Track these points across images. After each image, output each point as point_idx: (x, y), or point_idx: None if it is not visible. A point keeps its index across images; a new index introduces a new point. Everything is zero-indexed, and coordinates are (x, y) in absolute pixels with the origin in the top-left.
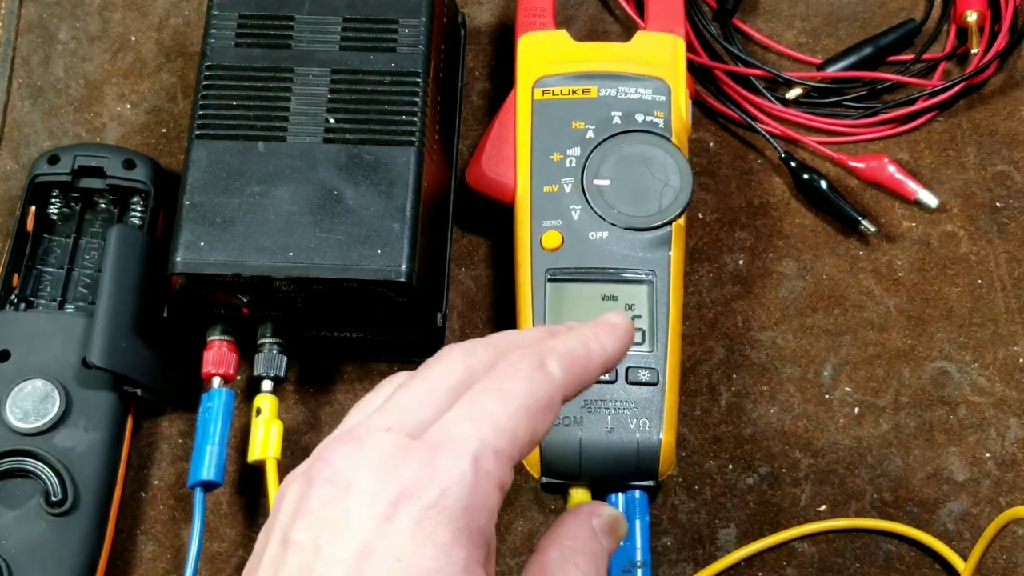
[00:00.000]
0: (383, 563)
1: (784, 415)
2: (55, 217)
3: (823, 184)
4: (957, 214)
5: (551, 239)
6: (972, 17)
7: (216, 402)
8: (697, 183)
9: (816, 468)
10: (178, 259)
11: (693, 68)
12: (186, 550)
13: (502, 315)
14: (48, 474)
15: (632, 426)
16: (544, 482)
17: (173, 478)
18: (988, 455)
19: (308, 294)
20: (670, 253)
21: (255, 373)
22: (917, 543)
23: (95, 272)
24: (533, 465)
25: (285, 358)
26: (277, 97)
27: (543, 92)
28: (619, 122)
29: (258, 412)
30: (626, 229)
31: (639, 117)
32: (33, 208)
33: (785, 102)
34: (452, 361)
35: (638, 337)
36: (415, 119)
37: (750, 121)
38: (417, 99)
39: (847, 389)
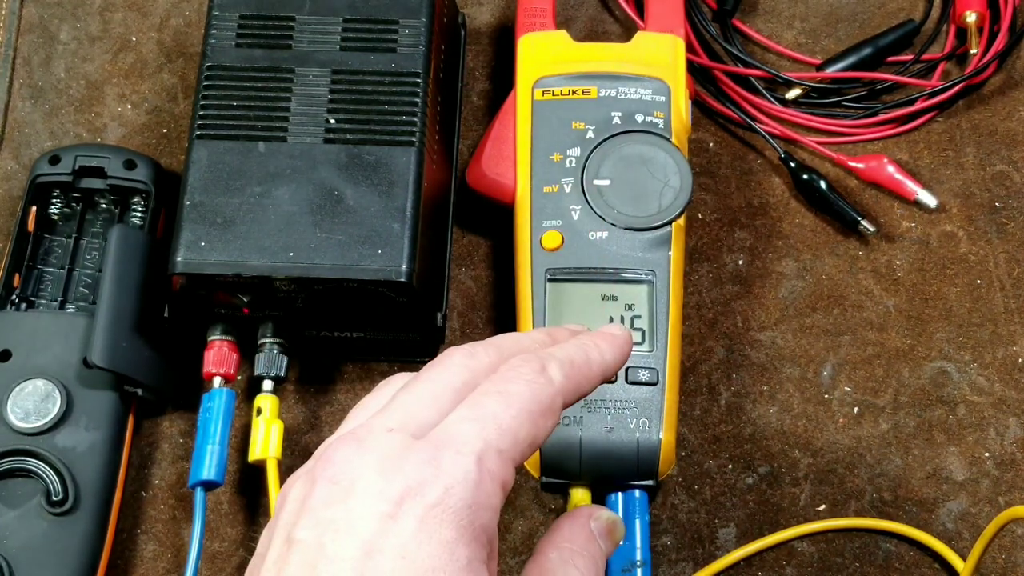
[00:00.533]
0: (387, 561)
1: (784, 415)
2: (56, 217)
3: (823, 184)
4: (956, 214)
5: (551, 239)
6: (971, 17)
7: (217, 402)
8: (697, 183)
9: (815, 468)
10: (179, 259)
11: (693, 68)
12: (187, 550)
13: (502, 315)
14: (49, 474)
15: (632, 426)
16: (544, 482)
17: (174, 478)
18: (987, 455)
19: (308, 294)
20: (670, 253)
21: (256, 373)
22: (916, 543)
23: (96, 272)
24: (533, 465)
25: (285, 358)
26: (277, 97)
27: (543, 92)
28: (619, 122)
29: (259, 412)
30: (626, 229)
31: (639, 117)
32: (34, 208)
33: (785, 102)
34: (454, 363)
35: (638, 337)
36: (415, 119)
37: (750, 121)
38: (417, 99)
39: (846, 389)
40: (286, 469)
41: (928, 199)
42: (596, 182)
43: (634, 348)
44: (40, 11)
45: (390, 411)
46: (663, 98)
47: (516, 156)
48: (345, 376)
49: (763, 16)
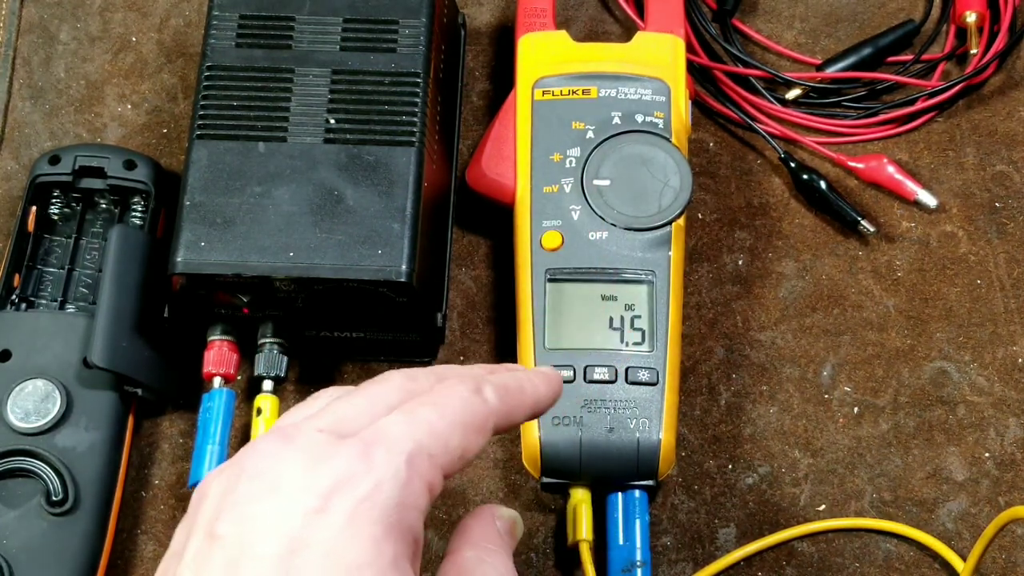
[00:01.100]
0: (312, 557)
1: (783, 415)
2: (56, 217)
3: (822, 184)
4: (956, 214)
5: (551, 239)
6: (971, 18)
7: (217, 402)
8: (697, 183)
9: (815, 468)
10: (179, 259)
11: (693, 68)
12: None
13: (502, 315)
14: (49, 474)
15: (632, 426)
16: (544, 482)
17: (174, 478)
18: (987, 455)
19: (308, 294)
20: (670, 253)
21: (256, 373)
22: (916, 543)
23: (96, 272)
24: (533, 465)
25: (285, 358)
26: (277, 97)
27: (543, 92)
28: (619, 122)
29: (259, 412)
30: (626, 229)
31: (639, 117)
32: (34, 208)
33: (784, 102)
34: (393, 382)
35: (638, 337)
36: (415, 119)
37: (749, 121)
38: (417, 99)
39: (846, 389)
40: None
41: (928, 199)
42: (596, 182)
43: (634, 348)
44: (40, 11)
45: (322, 415)
46: (663, 98)
47: (516, 156)
48: (345, 376)
49: (763, 16)
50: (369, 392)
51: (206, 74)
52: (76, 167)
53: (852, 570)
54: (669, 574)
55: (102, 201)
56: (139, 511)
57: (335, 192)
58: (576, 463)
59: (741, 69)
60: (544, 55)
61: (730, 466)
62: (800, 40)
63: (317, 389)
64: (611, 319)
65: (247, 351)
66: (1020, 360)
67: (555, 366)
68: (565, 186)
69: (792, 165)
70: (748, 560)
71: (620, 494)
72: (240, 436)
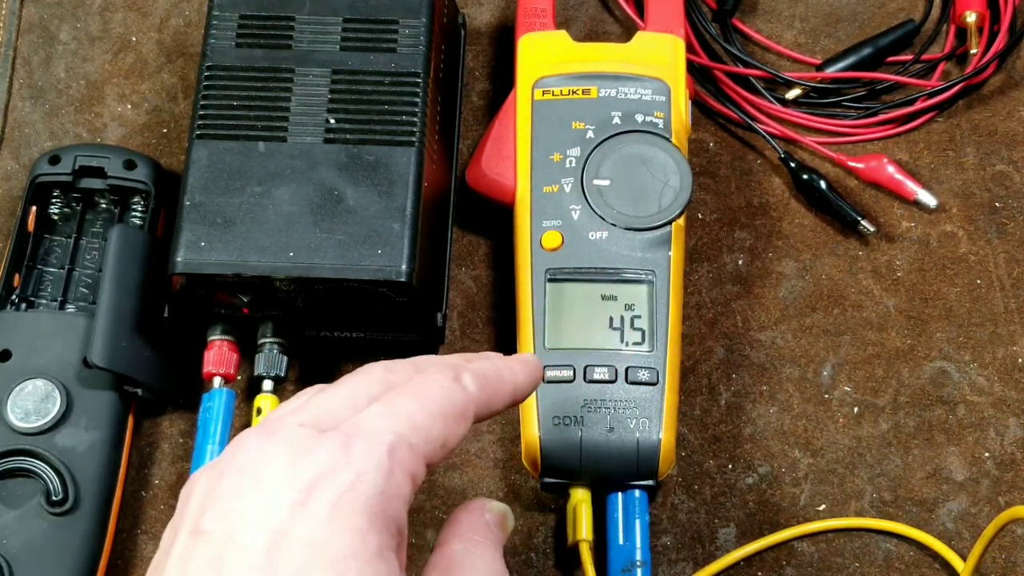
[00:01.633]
0: (296, 549)
1: (783, 415)
2: (56, 217)
3: (822, 184)
4: (956, 214)
5: (551, 239)
6: (971, 17)
7: (217, 402)
8: (697, 183)
9: (815, 468)
10: (179, 259)
11: (693, 68)
12: None
13: (502, 315)
14: (49, 474)
15: (632, 426)
16: (544, 482)
17: (174, 478)
18: (987, 455)
19: (308, 294)
20: (670, 253)
21: (256, 373)
22: (916, 543)
23: (96, 272)
24: (533, 465)
25: (285, 358)
26: (277, 97)
27: (543, 92)
28: (619, 122)
29: (259, 412)
30: (626, 229)
31: (639, 117)
32: (34, 208)
33: (784, 102)
34: (372, 374)
35: (638, 337)
36: (415, 119)
37: (749, 121)
38: (417, 99)
39: (846, 389)
40: None
41: (928, 199)
42: (596, 182)
43: (634, 348)
44: (40, 11)
45: (304, 409)
46: (663, 98)
47: (516, 156)
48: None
49: (763, 16)
50: (349, 385)
51: (206, 74)
52: (76, 167)
53: (852, 570)
54: (669, 574)
55: (102, 201)
56: (139, 511)
57: (335, 192)
58: (576, 463)
59: (741, 69)
60: (544, 55)
61: (730, 466)
62: (800, 40)
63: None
64: (611, 319)
65: (247, 351)
66: (1020, 360)
67: (555, 366)
68: (565, 186)
69: (792, 165)
70: (748, 560)
71: (620, 494)
72: None
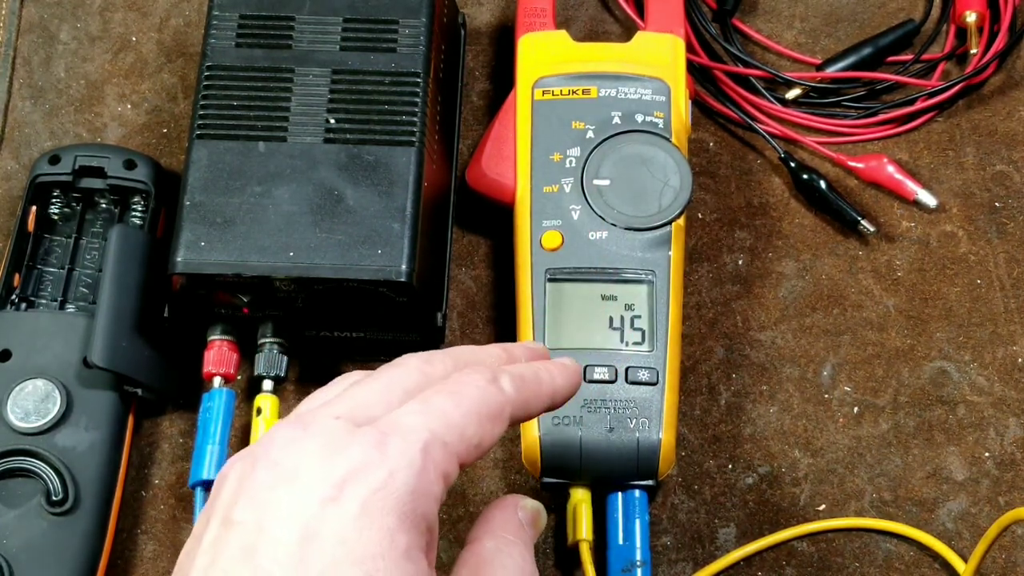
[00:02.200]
0: (326, 546)
1: (783, 415)
2: (56, 217)
3: (822, 184)
4: (956, 214)
5: (551, 239)
6: (971, 17)
7: (217, 402)
8: (697, 183)
9: (815, 468)
10: (179, 259)
11: (693, 68)
12: None
13: (502, 315)
14: (49, 473)
15: (632, 426)
16: (544, 482)
17: (174, 478)
18: (987, 455)
19: (308, 294)
20: (670, 253)
21: (256, 373)
22: (916, 543)
23: (96, 272)
24: (533, 465)
25: (286, 358)
26: (277, 97)
27: (543, 92)
28: (619, 122)
29: (259, 412)
30: (626, 229)
31: (639, 117)
32: (34, 208)
33: (784, 102)
34: (410, 367)
35: (638, 337)
36: (415, 119)
37: (749, 121)
38: (417, 99)
39: (846, 389)
40: None
41: (928, 199)
42: (596, 182)
43: (634, 348)
44: (40, 11)
45: (338, 401)
46: (663, 98)
47: (516, 156)
48: None
49: (763, 16)
50: (386, 377)
51: (206, 74)
52: (76, 167)
53: (852, 570)
54: (669, 574)
55: (102, 201)
56: (139, 511)
57: (335, 192)
58: (576, 463)
59: (741, 69)
60: (544, 55)
61: (730, 466)
62: (800, 40)
63: (317, 389)
64: (611, 319)
65: (247, 351)
66: (1020, 360)
67: None
68: (565, 186)
69: (792, 165)
70: (748, 560)
71: (620, 494)
72: (240, 436)
